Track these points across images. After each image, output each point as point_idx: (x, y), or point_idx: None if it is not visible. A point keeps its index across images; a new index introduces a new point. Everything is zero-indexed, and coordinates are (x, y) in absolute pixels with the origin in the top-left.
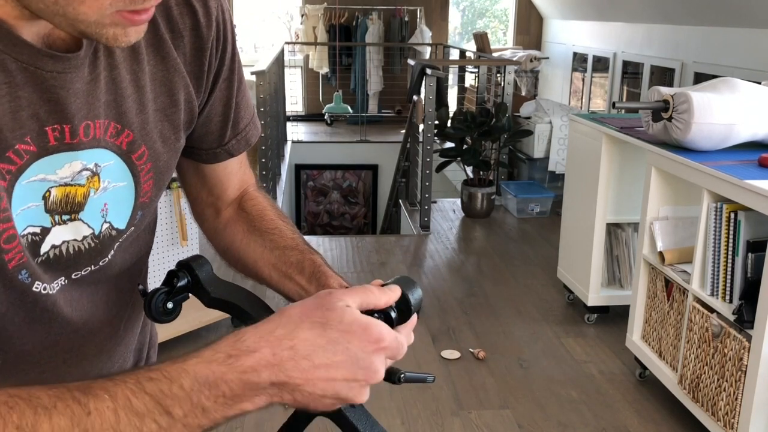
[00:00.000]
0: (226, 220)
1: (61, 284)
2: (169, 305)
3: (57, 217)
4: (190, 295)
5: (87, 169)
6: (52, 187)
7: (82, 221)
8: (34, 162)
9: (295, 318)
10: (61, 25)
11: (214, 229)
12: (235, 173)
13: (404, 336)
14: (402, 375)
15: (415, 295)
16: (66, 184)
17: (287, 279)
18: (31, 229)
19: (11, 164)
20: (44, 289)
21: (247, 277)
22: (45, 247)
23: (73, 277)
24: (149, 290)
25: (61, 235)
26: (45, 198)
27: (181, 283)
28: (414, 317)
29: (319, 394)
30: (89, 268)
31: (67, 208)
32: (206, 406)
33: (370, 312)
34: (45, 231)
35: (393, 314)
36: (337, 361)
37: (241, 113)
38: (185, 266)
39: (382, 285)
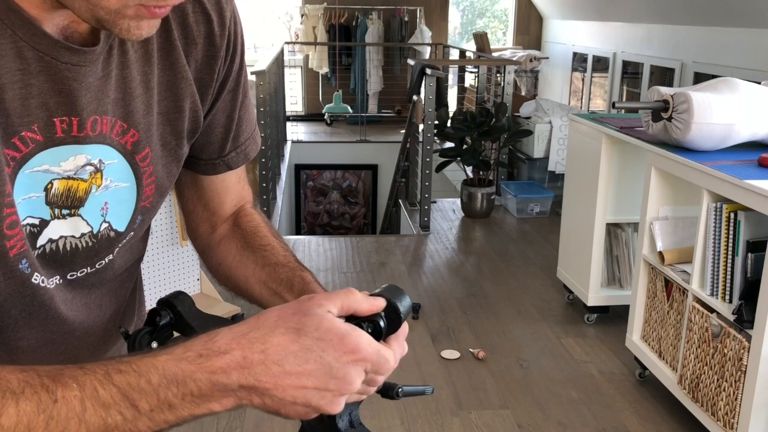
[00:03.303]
0: (220, 236)
1: (55, 283)
2: (154, 345)
3: (57, 211)
4: (174, 333)
5: (91, 165)
6: (54, 179)
7: (81, 218)
8: (40, 152)
9: (270, 322)
10: (81, 10)
11: (208, 245)
12: (233, 188)
13: (396, 346)
14: (400, 390)
15: (404, 304)
16: (69, 178)
17: (277, 297)
18: (29, 220)
19: (16, 151)
20: (42, 282)
21: (238, 295)
22: (42, 240)
23: (68, 277)
24: (131, 331)
25: (59, 229)
26: (47, 190)
27: (163, 322)
28: (405, 327)
29: (289, 401)
30: (85, 270)
31: (68, 203)
32: (173, 403)
33: (359, 322)
34: (43, 223)
35: (382, 323)
36: (309, 369)
37: (242, 126)
38: (166, 303)
39: (369, 295)
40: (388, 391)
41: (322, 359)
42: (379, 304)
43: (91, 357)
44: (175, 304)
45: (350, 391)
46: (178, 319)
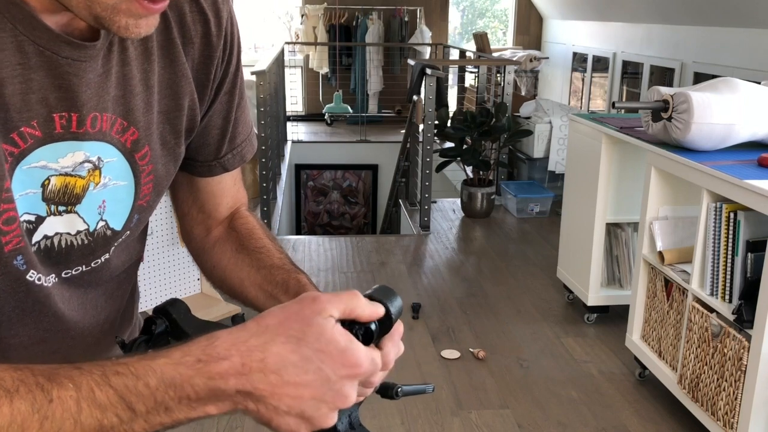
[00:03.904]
0: (215, 238)
1: (52, 281)
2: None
3: (53, 207)
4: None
5: (89, 162)
6: (52, 176)
7: (78, 215)
8: (38, 148)
9: (271, 328)
10: (79, 8)
11: (202, 248)
12: (228, 190)
13: (391, 347)
14: (399, 389)
15: (395, 305)
16: (66, 174)
17: (273, 299)
18: (26, 217)
19: (15, 146)
20: (38, 279)
21: (233, 298)
22: (37, 237)
23: (63, 275)
24: (127, 340)
25: (55, 226)
26: (44, 186)
27: (159, 330)
28: (400, 327)
29: (283, 410)
30: (80, 268)
31: (65, 199)
32: (170, 406)
33: (350, 324)
34: (39, 220)
35: (373, 327)
36: (308, 379)
37: (239, 128)
38: (162, 311)
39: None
40: (387, 390)
41: (321, 370)
42: (380, 312)
43: (85, 359)
44: (170, 311)
45: (344, 404)
46: (173, 327)
